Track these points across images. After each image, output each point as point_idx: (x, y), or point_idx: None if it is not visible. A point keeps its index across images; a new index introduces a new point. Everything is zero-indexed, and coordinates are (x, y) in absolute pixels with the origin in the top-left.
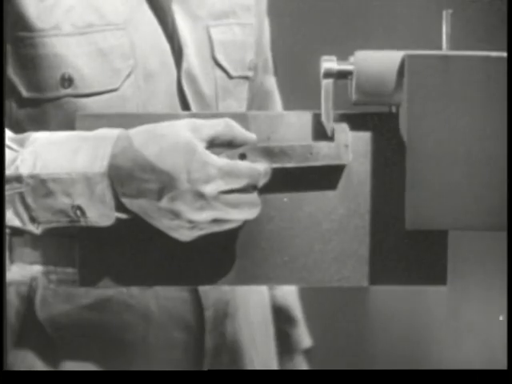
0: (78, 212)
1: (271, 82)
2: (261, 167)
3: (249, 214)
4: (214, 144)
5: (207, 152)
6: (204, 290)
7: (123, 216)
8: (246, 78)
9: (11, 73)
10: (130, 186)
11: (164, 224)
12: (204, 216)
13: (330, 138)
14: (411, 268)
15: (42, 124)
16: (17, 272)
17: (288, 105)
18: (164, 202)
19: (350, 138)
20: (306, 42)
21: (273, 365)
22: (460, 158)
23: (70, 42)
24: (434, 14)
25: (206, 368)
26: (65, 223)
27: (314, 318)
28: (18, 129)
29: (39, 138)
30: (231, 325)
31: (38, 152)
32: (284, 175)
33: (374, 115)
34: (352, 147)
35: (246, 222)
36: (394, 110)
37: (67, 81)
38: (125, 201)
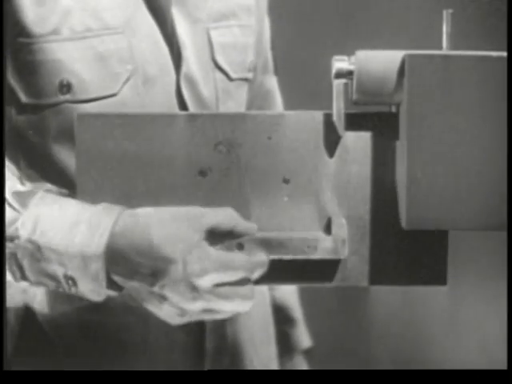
0: (70, 282)
1: (272, 82)
2: (258, 259)
3: (241, 306)
4: (214, 233)
5: (205, 244)
6: None
7: (114, 294)
8: (245, 79)
9: (10, 78)
10: (125, 267)
11: (154, 306)
12: (196, 306)
13: (327, 231)
14: (411, 268)
15: (41, 129)
16: None
17: (288, 105)
18: (156, 288)
19: (347, 233)
20: (306, 42)
21: (273, 365)
22: (460, 157)
23: (69, 47)
24: (434, 14)
25: (206, 369)
26: (54, 287)
27: (314, 318)
28: (18, 134)
29: (42, 200)
30: (231, 325)
31: (39, 218)
32: (281, 265)
33: (374, 115)
34: (352, 147)
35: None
36: (394, 109)
37: (65, 87)
38: (117, 279)
